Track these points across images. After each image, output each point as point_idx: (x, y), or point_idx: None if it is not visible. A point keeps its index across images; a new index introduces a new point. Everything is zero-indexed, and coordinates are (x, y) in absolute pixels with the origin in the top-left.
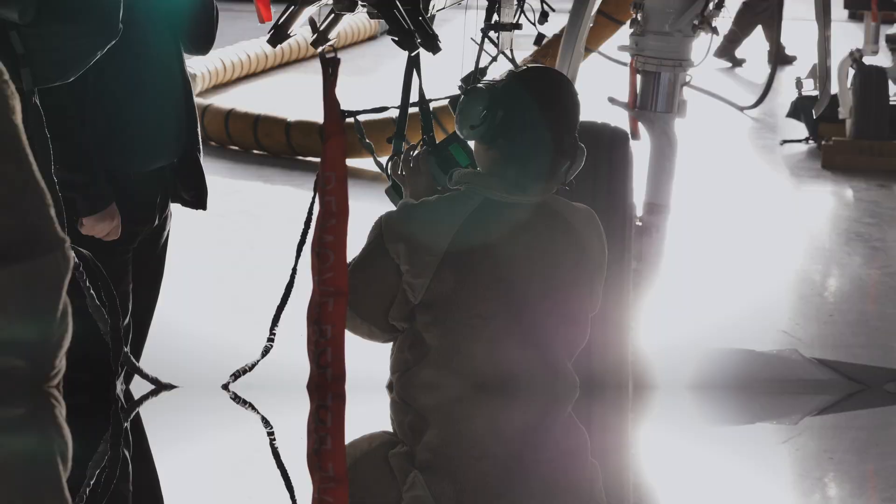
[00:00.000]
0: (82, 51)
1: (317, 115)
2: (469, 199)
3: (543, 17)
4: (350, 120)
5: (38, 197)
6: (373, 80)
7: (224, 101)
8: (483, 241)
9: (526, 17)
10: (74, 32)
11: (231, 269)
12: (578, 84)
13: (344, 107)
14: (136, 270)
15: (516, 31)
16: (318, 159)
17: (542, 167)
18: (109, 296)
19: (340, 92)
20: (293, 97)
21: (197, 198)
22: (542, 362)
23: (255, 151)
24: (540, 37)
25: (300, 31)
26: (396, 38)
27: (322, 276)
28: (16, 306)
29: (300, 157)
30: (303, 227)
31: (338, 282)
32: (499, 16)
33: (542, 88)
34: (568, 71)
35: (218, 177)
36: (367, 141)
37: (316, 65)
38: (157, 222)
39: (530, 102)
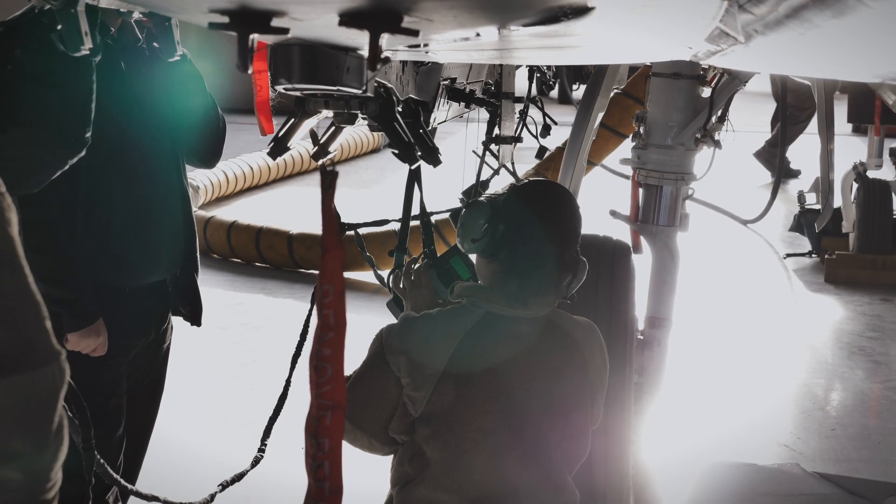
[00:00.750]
0: (43, 162)
1: (319, 227)
2: (470, 313)
3: (545, 130)
4: (351, 233)
5: (33, 309)
6: (376, 192)
7: (227, 213)
8: (483, 355)
9: (528, 130)
10: (35, 143)
11: (232, 382)
12: (580, 197)
13: (346, 219)
14: (135, 383)
15: (519, 144)
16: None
17: (543, 281)
18: (80, 407)
19: (343, 204)
20: (296, 209)
21: (192, 314)
22: (543, 476)
23: (257, 264)
24: (542, 150)
25: (302, 144)
26: (397, 151)
27: (319, 389)
28: (12, 419)
29: (302, 270)
30: (298, 339)
31: (335, 395)
32: (499, 129)
33: (543, 202)
34: (570, 184)
35: (220, 289)
36: (368, 254)
37: (313, 179)
38: (153, 336)
39: (531, 216)
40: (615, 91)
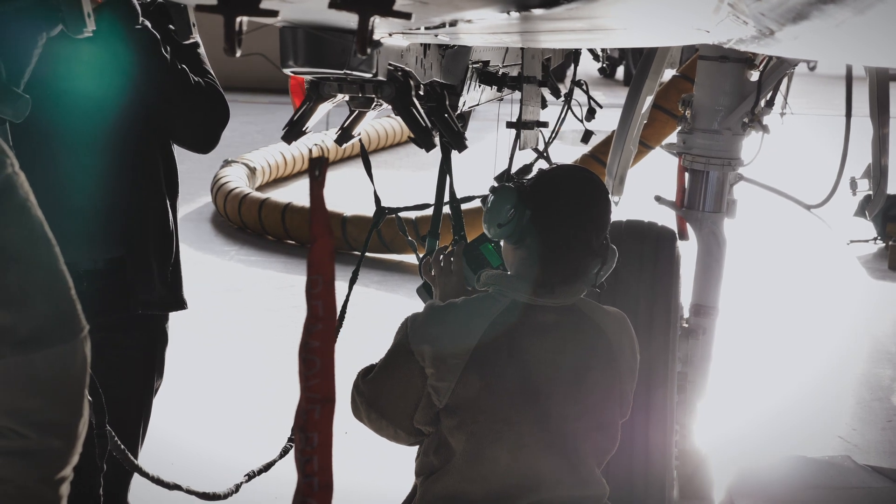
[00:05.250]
0: None
1: (371, 209)
2: (496, 302)
3: (590, 113)
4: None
5: (65, 283)
6: (433, 175)
7: (282, 195)
8: (509, 345)
9: (573, 112)
10: None
11: (281, 364)
12: (627, 182)
13: (395, 202)
14: (119, 367)
15: (563, 128)
16: (376, 255)
17: (570, 268)
18: (94, 391)
19: (402, 186)
20: (350, 191)
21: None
22: (569, 469)
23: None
24: (587, 133)
25: (363, 127)
26: (413, 136)
27: (308, 382)
28: (51, 389)
29: (356, 252)
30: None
31: (324, 389)
32: (520, 113)
33: (571, 188)
34: (618, 168)
35: (272, 271)
36: (410, 238)
37: (374, 160)
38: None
39: (558, 202)
40: (674, 74)
